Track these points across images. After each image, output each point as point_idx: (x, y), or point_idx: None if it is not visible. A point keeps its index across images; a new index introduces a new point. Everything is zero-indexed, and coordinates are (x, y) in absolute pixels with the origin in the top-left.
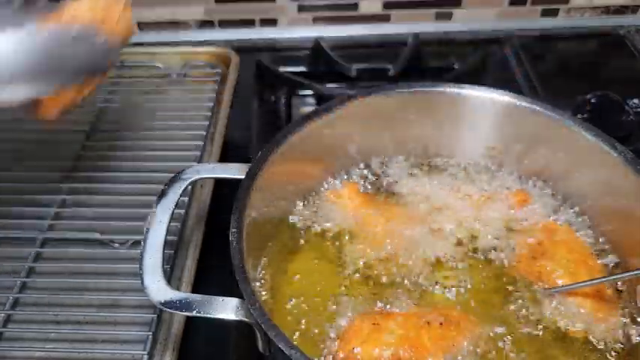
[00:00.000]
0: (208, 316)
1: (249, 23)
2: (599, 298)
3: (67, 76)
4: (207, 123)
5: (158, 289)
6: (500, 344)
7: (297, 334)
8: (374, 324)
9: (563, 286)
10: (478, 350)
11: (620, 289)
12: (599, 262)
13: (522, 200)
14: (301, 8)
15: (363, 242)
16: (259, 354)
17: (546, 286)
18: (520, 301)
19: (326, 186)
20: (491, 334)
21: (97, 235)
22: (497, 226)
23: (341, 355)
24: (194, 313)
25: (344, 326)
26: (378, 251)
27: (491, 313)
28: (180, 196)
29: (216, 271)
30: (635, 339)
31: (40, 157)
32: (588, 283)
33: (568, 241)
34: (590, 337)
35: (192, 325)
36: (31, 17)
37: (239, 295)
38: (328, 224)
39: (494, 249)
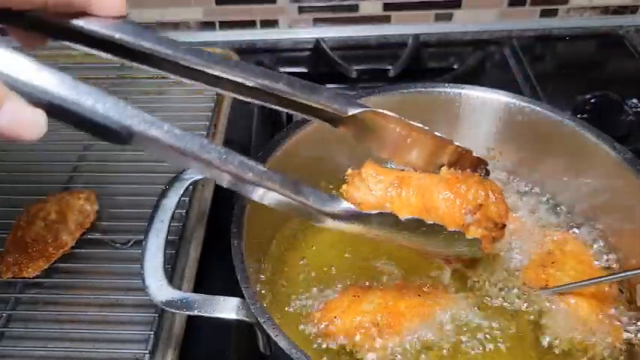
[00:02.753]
0: (209, 315)
1: (249, 24)
2: (599, 301)
3: None
4: (207, 123)
5: (159, 289)
6: (476, 320)
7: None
8: (354, 296)
9: (562, 285)
10: (454, 321)
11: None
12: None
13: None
14: (302, 9)
15: (362, 239)
16: (260, 353)
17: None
18: (515, 298)
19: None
20: (468, 310)
21: (99, 235)
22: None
23: (322, 324)
24: (195, 313)
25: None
26: (378, 249)
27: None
28: (181, 196)
29: (217, 270)
30: (635, 342)
31: (41, 159)
32: (588, 282)
33: (578, 252)
34: (587, 342)
35: (194, 324)
36: None
37: (240, 295)
38: None
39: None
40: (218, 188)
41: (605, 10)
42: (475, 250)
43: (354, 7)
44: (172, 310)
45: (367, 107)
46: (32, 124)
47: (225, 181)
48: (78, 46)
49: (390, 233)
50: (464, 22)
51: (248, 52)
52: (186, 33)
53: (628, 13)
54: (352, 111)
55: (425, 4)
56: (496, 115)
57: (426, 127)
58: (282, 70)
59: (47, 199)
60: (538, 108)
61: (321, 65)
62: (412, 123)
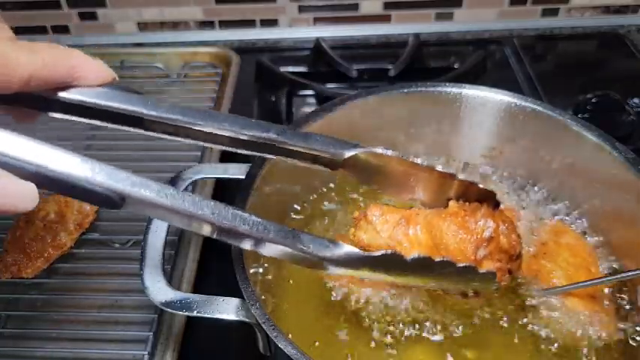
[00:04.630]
0: (209, 316)
1: (249, 23)
2: (594, 298)
3: None
4: None
5: (159, 290)
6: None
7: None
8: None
9: (560, 287)
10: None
11: (619, 295)
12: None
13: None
14: (302, 8)
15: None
16: (260, 354)
17: (544, 287)
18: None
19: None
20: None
21: (98, 236)
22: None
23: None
24: (195, 314)
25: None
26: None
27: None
28: None
29: (217, 271)
30: (632, 342)
31: None
32: (587, 283)
33: (573, 244)
34: (586, 342)
35: (193, 325)
36: None
37: (240, 295)
38: (328, 222)
39: None
40: (217, 188)
41: (607, 10)
42: (490, 283)
43: (354, 6)
44: (172, 311)
45: (363, 147)
46: (23, 197)
47: (218, 234)
48: (67, 117)
49: (399, 275)
50: (464, 21)
51: (248, 52)
52: (187, 32)
53: (629, 12)
54: (348, 153)
55: (425, 3)
56: (497, 114)
57: (426, 164)
58: (282, 69)
59: (46, 198)
60: (539, 107)
61: (321, 64)
62: (411, 160)
